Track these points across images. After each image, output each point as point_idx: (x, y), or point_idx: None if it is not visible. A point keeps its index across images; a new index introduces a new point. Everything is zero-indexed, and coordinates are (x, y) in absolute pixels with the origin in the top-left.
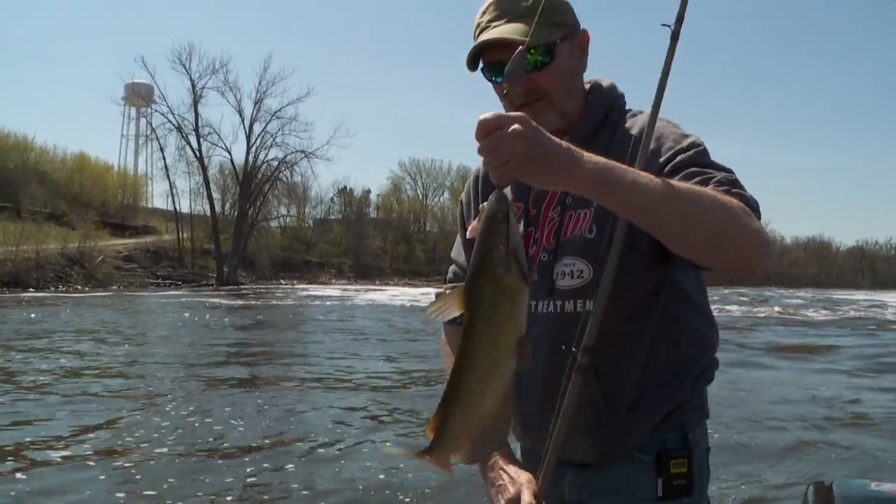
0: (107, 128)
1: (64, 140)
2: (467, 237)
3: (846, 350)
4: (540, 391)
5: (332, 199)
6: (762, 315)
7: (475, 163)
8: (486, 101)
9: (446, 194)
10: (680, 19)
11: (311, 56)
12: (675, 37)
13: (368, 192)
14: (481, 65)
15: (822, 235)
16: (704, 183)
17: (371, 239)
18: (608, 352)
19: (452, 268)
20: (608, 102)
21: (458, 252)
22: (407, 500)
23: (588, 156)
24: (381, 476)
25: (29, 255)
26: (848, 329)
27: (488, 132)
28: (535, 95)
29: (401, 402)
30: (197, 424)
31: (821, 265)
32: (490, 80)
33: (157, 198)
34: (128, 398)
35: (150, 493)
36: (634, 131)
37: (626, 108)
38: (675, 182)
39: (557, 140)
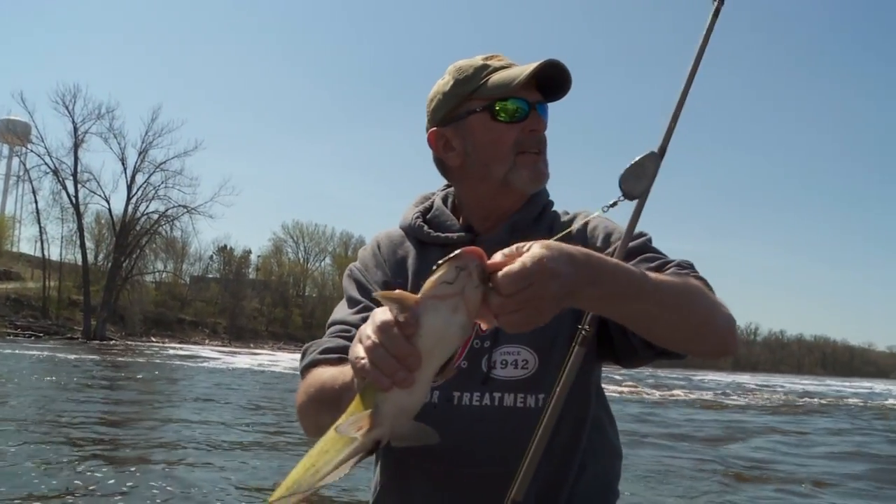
0: None
1: None
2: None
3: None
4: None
5: (211, 256)
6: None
7: (358, 230)
8: (376, 166)
9: (328, 259)
10: None
11: (201, 111)
12: (716, 13)
13: (249, 252)
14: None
15: None
16: (662, 267)
17: (248, 300)
18: (547, 455)
19: (339, 328)
20: (545, 197)
21: (346, 315)
22: None
23: (590, 270)
24: None
25: None
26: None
27: (523, 284)
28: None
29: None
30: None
31: None
32: (530, 109)
33: (25, 242)
34: None
35: None
36: (574, 227)
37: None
38: (661, 276)
39: (573, 262)
